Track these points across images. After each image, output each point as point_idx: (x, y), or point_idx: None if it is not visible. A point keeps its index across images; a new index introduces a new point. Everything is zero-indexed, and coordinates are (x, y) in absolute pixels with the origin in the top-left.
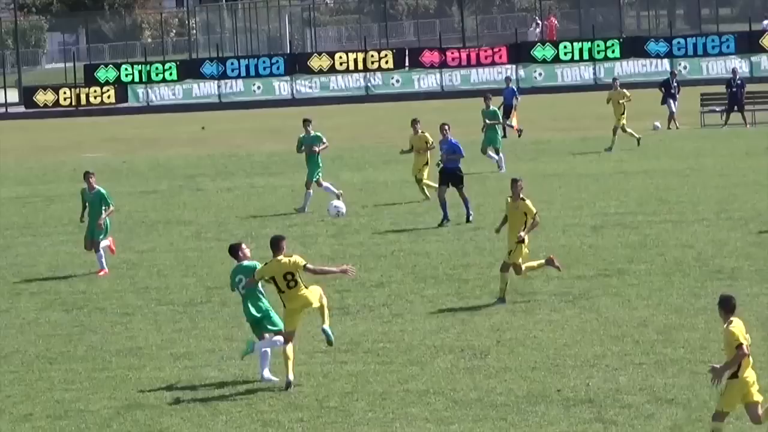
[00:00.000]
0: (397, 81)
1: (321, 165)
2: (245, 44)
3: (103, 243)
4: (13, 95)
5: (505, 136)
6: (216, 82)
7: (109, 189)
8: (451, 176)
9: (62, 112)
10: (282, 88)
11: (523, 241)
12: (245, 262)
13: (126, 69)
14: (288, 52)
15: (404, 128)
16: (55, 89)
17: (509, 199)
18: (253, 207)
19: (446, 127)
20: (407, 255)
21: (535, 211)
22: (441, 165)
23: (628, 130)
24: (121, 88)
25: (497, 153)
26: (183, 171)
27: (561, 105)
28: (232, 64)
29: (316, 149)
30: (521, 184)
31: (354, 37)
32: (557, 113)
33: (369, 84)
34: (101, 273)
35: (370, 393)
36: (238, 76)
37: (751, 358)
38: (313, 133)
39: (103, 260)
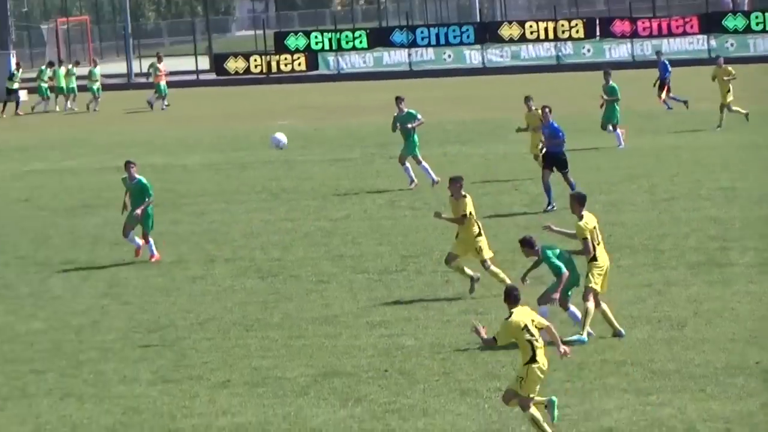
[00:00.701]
0: (588, 51)
1: (417, 142)
2: (434, 12)
3: (137, 240)
4: (204, 63)
5: (670, 107)
6: (406, 50)
7: (301, 157)
8: (555, 160)
9: (252, 79)
10: (473, 57)
11: (480, 234)
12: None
13: (316, 37)
14: (478, 20)
15: (596, 98)
16: (246, 57)
17: (451, 197)
18: (446, 175)
19: (547, 110)
20: (603, 225)
21: (469, 210)
22: (543, 149)
23: (734, 108)
24: (311, 55)
25: (615, 129)
26: (375, 139)
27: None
28: (422, 32)
29: (410, 126)
30: (461, 183)
31: (544, 5)
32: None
33: (560, 53)
34: (153, 259)
35: (568, 363)
36: (428, 45)
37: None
38: (406, 110)
39: (153, 246)
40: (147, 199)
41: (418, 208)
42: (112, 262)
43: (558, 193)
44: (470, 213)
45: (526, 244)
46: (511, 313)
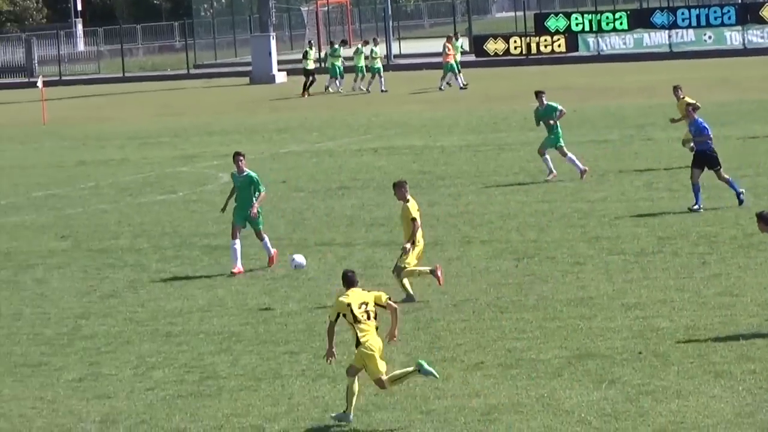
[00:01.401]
0: None
1: (561, 133)
2: None
3: (267, 241)
4: (464, 44)
5: None
6: (666, 32)
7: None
8: (704, 158)
9: (512, 60)
10: (733, 38)
11: (405, 251)
12: None
13: (576, 18)
14: (739, 1)
15: None
16: (506, 38)
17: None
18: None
19: (690, 108)
20: None
21: (412, 216)
22: (690, 146)
23: None
24: (572, 37)
25: None
26: (634, 120)
27: None
28: (682, 13)
29: (552, 122)
30: (406, 187)
31: None
32: None
33: None
34: (271, 260)
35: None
36: (689, 26)
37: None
38: (546, 103)
39: (269, 244)
40: (258, 195)
41: (676, 190)
42: (368, 243)
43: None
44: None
45: (763, 219)
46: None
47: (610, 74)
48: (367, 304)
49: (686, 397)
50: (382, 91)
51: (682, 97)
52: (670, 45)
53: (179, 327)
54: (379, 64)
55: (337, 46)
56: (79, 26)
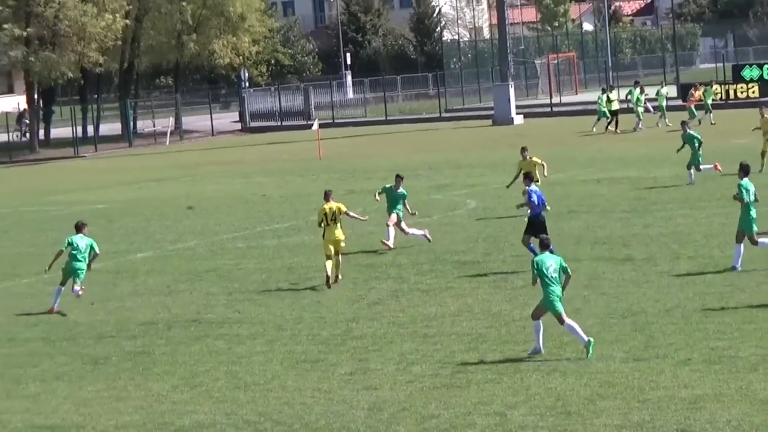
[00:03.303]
0: None
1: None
2: None
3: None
4: (671, 91)
5: None
6: None
7: (755, 169)
8: None
9: (713, 105)
10: None
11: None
12: None
13: None
14: None
15: None
16: (707, 86)
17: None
18: None
19: None
20: None
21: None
22: None
23: None
24: (764, 84)
25: None
26: None
27: None
28: None
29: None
30: (331, 195)
31: None
32: None
33: None
34: None
35: None
36: None
37: None
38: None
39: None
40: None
41: None
42: (592, 258)
43: None
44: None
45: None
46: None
47: None
48: (339, 210)
49: None
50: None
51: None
52: None
53: (434, 329)
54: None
55: (633, 88)
56: (349, 77)
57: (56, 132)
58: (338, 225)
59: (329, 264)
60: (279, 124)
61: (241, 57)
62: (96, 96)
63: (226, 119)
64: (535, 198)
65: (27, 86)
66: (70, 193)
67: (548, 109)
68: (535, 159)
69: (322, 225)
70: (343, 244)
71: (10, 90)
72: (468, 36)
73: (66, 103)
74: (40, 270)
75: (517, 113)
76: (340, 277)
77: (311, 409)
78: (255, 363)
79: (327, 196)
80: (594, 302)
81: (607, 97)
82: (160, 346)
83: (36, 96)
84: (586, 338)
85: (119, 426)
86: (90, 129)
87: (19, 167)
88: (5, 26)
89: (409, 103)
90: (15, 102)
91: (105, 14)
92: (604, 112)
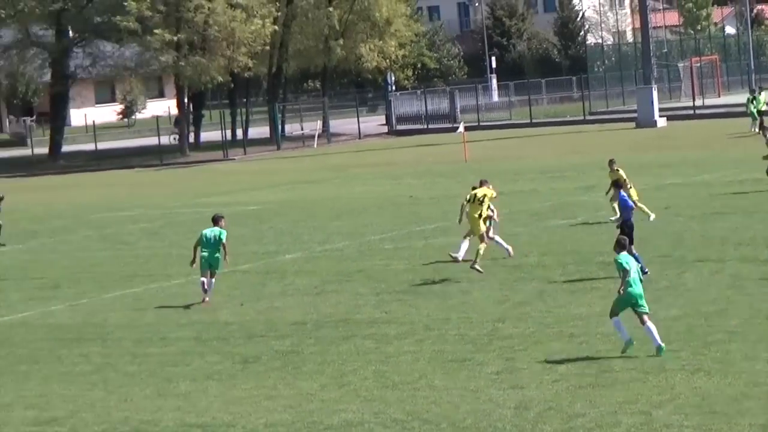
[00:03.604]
0: None
1: None
2: None
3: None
4: None
5: None
6: None
7: None
8: None
9: None
10: None
11: None
12: None
13: None
14: None
15: None
16: None
17: None
18: None
19: None
20: None
21: None
22: None
23: None
24: None
25: None
26: None
27: None
28: None
29: None
30: (487, 183)
31: None
32: None
33: None
34: None
35: None
36: None
37: None
38: None
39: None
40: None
41: None
42: (737, 259)
43: None
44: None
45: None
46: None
47: None
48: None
49: None
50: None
51: None
52: None
53: (580, 329)
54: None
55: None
56: (494, 81)
57: (206, 135)
58: (482, 208)
59: (466, 242)
60: (425, 127)
61: (387, 61)
62: (245, 100)
63: (373, 122)
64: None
65: (177, 90)
66: (220, 195)
67: (691, 112)
68: (621, 172)
69: (465, 205)
70: (483, 228)
71: (161, 94)
72: (611, 39)
73: (215, 107)
74: (192, 271)
75: (660, 116)
76: (478, 266)
77: (458, 407)
78: (403, 362)
79: (482, 183)
80: (738, 303)
81: (753, 98)
82: (309, 346)
83: (186, 100)
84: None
85: (269, 424)
86: (239, 132)
87: (170, 170)
88: (155, 31)
89: (553, 106)
90: (165, 106)
91: (254, 19)
92: (754, 114)
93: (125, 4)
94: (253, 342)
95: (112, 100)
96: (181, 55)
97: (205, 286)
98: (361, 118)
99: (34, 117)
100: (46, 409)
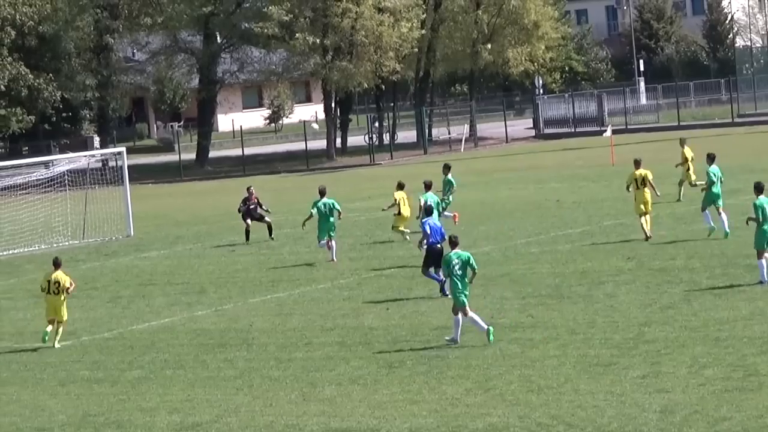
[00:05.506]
0: None
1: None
2: None
3: None
4: None
5: None
6: None
7: None
8: None
9: None
10: None
11: None
12: None
13: None
14: None
15: None
16: None
17: None
18: None
19: None
20: None
21: None
22: None
23: None
24: None
25: None
26: None
27: None
28: None
29: None
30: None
31: None
32: None
33: None
34: None
35: None
36: None
37: None
38: None
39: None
40: None
41: None
42: None
43: None
44: None
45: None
46: None
47: None
48: None
49: None
50: None
51: None
52: None
53: (726, 333)
54: None
55: None
56: (642, 84)
57: (353, 140)
58: (646, 188)
59: (643, 220)
60: (572, 130)
61: (535, 64)
62: (392, 104)
63: (520, 126)
64: None
65: (324, 95)
66: (367, 200)
67: None
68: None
69: (631, 189)
70: (650, 207)
71: (308, 99)
72: (761, 42)
73: (362, 112)
74: (336, 275)
75: None
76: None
77: (603, 412)
78: (548, 366)
79: (638, 164)
80: None
81: None
82: (454, 350)
83: (333, 105)
84: (485, 326)
85: (413, 429)
86: (386, 137)
87: (316, 175)
88: (297, 35)
89: (701, 109)
90: (312, 111)
91: (401, 23)
92: None
93: (264, 10)
94: (398, 346)
95: (260, 105)
96: (328, 60)
97: (330, 249)
98: (508, 122)
99: (182, 122)
100: (191, 413)
